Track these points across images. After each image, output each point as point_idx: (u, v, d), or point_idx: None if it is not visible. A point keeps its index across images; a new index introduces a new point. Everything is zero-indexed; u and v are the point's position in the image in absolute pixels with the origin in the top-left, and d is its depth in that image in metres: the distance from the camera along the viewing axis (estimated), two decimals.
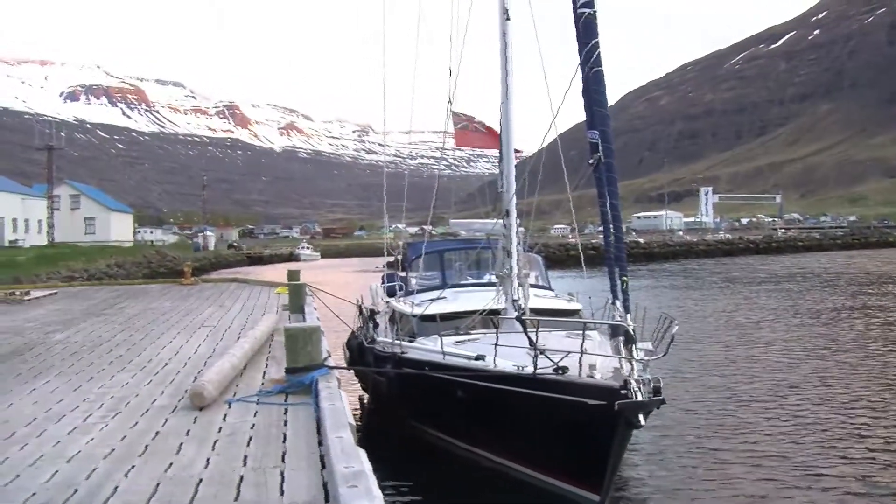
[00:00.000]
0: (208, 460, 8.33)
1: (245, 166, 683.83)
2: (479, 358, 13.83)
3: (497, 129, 20.08)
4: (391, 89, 25.53)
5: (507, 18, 19.05)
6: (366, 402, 20.98)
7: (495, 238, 19.79)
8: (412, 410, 16.58)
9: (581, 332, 12.58)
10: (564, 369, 11.98)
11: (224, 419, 10.14)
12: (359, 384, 21.98)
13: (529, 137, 21.73)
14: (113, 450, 8.89)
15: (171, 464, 8.28)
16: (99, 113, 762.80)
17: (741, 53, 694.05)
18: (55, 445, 9.19)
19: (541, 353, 12.24)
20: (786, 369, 25.65)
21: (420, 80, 25.16)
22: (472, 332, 16.82)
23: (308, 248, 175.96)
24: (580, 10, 14.05)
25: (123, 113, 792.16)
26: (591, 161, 13.71)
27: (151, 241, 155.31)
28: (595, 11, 14.05)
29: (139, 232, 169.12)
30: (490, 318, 16.74)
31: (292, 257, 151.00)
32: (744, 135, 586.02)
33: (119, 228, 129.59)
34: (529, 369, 12.30)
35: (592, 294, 19.92)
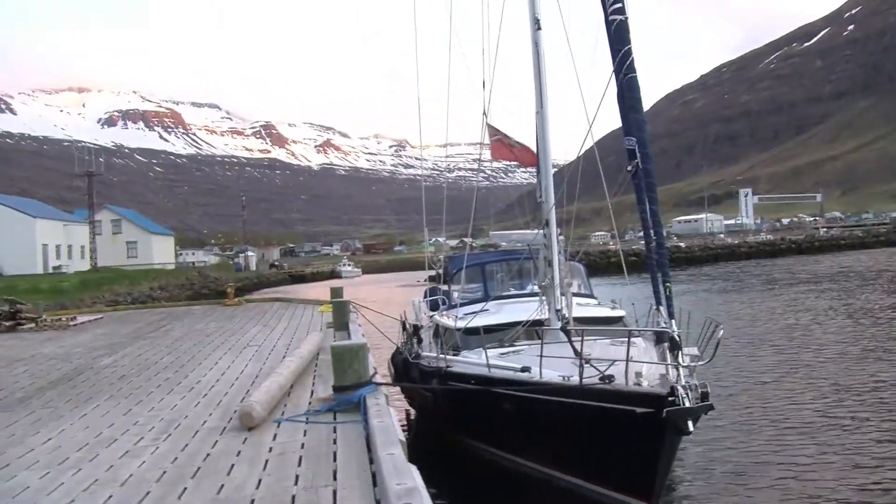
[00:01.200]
0: (260, 481, 8.36)
1: (283, 185, 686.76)
2: (524, 370, 13.79)
3: (532, 144, 20.02)
4: (426, 103, 25.59)
5: (539, 28, 19.02)
6: (412, 417, 21.02)
7: (536, 248, 19.73)
8: (459, 424, 16.55)
9: (626, 339, 12.52)
10: (610, 378, 11.93)
11: (274, 439, 10.17)
12: (405, 400, 21.99)
13: (565, 145, 21.62)
14: (165, 472, 8.95)
15: (223, 485, 8.31)
16: (136, 137, 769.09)
17: (775, 53, 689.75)
18: (108, 470, 9.26)
19: (586, 362, 12.19)
20: (839, 372, 25.21)
21: (454, 93, 25.18)
22: (516, 343, 16.78)
23: (349, 265, 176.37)
24: (611, 17, 14.03)
25: (161, 136, 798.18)
26: (629, 168, 13.66)
27: (193, 263, 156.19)
28: (626, 17, 14.02)
29: (181, 254, 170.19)
30: (534, 329, 16.68)
31: (334, 274, 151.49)
32: (781, 134, 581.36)
33: (161, 251, 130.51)
34: (575, 379, 12.25)
35: (635, 300, 19.82)
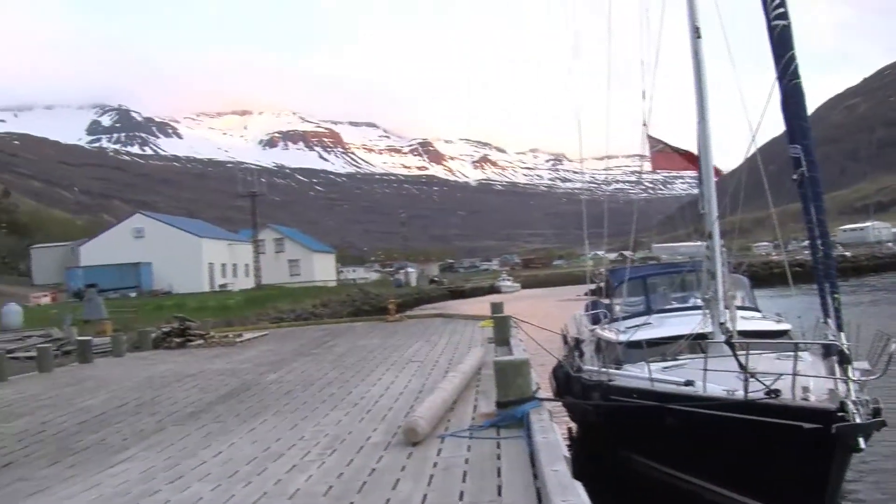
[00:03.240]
0: (425, 496, 8.41)
1: (441, 201, 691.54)
2: (687, 384, 13.60)
3: (694, 151, 19.72)
4: (584, 116, 25.43)
5: (699, 37, 18.74)
6: (575, 432, 20.89)
7: (699, 260, 19.42)
8: (621, 439, 16.38)
9: (792, 353, 12.21)
10: (777, 392, 11.65)
11: (438, 454, 10.23)
12: (567, 414, 21.86)
13: (727, 154, 21.24)
14: (331, 487, 9.09)
15: (388, 500, 8.40)
16: (297, 157, 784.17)
17: None
18: (276, 483, 9.47)
19: (751, 376, 11.95)
20: None
21: (613, 105, 24.98)
22: (679, 357, 16.55)
23: (508, 280, 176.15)
24: (774, 22, 13.74)
25: (320, 156, 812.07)
26: (794, 176, 13.34)
27: (354, 280, 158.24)
28: (789, 22, 13.72)
29: (342, 271, 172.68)
30: (697, 343, 16.44)
31: (493, 289, 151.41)
32: None
33: (322, 268, 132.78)
34: (740, 394, 12.01)
35: (801, 313, 19.31)
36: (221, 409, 15.45)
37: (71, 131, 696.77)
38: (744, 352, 13.09)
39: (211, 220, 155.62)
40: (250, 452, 11.26)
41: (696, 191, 19.81)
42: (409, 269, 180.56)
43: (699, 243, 19.47)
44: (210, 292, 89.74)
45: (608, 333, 19.93)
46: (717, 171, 19.33)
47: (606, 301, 23.50)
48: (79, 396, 18.85)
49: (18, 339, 38.50)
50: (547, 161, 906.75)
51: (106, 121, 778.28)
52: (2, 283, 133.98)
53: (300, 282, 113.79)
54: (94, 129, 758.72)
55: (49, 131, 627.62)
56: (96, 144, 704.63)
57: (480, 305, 58.77)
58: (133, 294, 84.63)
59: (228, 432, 12.89)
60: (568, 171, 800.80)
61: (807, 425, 10.91)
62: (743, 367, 12.21)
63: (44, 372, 24.81)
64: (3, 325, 46.19)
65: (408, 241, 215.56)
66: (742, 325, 17.18)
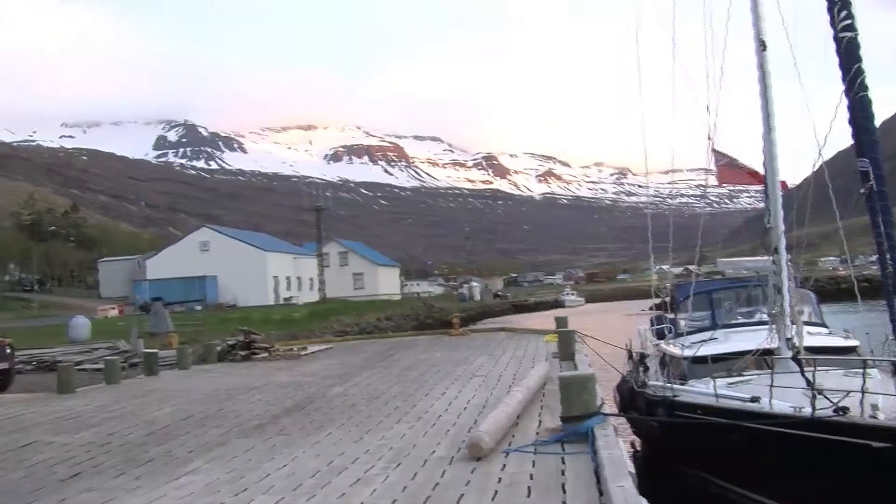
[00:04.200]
0: None
1: (506, 215, 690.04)
2: (753, 400, 13.48)
3: (760, 165, 19.56)
4: (648, 130, 25.31)
5: (764, 49, 18.60)
6: (639, 447, 20.76)
7: (765, 275, 19.24)
8: (686, 456, 16.27)
9: (860, 370, 12.06)
10: (845, 410, 11.50)
11: (502, 469, 10.21)
12: (630, 429, 21.74)
13: (793, 167, 21.00)
14: (395, 501, 9.10)
15: None
16: (361, 171, 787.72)
17: None
18: (339, 497, 9.50)
19: (819, 393, 11.82)
20: None
21: (678, 118, 24.83)
22: (745, 373, 16.41)
23: (572, 294, 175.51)
24: (841, 34, 13.63)
25: (384, 170, 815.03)
26: (862, 191, 13.20)
27: (418, 294, 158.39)
28: (857, 34, 13.60)
29: (406, 285, 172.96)
30: (763, 359, 16.29)
31: (557, 303, 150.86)
32: None
33: (386, 282, 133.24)
34: (807, 411, 11.89)
35: (870, 329, 19.03)
36: (286, 422, 15.54)
37: (138, 146, 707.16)
38: (811, 368, 12.96)
39: (276, 234, 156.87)
40: (314, 466, 11.30)
41: (762, 205, 19.65)
42: (473, 283, 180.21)
43: (765, 258, 19.30)
44: (275, 305, 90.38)
45: (673, 349, 19.78)
46: (784, 185, 19.14)
47: (671, 316, 23.32)
48: (145, 408, 19.07)
49: (86, 352, 39.14)
50: (612, 175, 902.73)
51: (172, 136, 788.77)
52: (70, 295, 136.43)
53: (364, 295, 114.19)
54: (161, 144, 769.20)
55: (117, 147, 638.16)
56: (163, 159, 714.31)
57: (544, 320, 58.69)
58: (198, 307, 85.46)
59: (293, 445, 12.96)
60: (633, 184, 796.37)
61: (875, 444, 10.78)
62: (810, 384, 12.10)
63: (111, 384, 25.13)
64: (71, 337, 46.90)
65: (472, 255, 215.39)
66: (809, 341, 16.99)
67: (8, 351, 26.57)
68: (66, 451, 13.63)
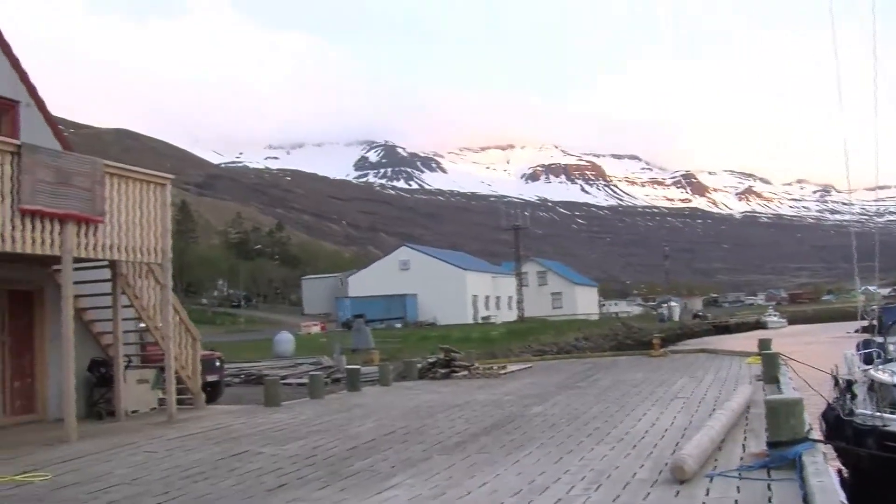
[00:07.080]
0: None
1: (704, 234, 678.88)
2: None
3: None
4: (852, 145, 24.50)
5: None
6: (845, 477, 20.00)
7: None
8: None
9: None
10: None
11: (706, 494, 9.96)
12: (837, 459, 20.96)
13: None
14: None
15: None
16: (559, 191, 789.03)
17: None
18: None
19: None
20: None
21: (883, 133, 23.92)
22: None
23: (775, 315, 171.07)
24: None
25: (582, 189, 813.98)
26: None
27: (616, 313, 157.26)
28: None
29: (604, 304, 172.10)
30: None
31: (758, 325, 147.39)
32: None
33: (585, 301, 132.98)
34: None
35: None
36: (486, 440, 15.55)
37: (340, 167, 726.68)
38: None
39: (474, 253, 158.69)
40: (515, 484, 11.25)
41: None
42: (673, 303, 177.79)
43: None
44: (474, 324, 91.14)
45: (882, 375, 18.97)
46: None
47: (880, 339, 22.42)
48: (348, 423, 19.38)
49: (291, 366, 40.27)
50: (814, 192, 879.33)
51: (373, 156, 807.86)
52: (275, 311, 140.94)
53: (562, 315, 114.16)
54: (362, 164, 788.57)
55: (319, 167, 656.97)
56: (363, 179, 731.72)
57: (745, 341, 57.32)
58: (399, 325, 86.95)
59: (493, 463, 12.94)
60: (836, 202, 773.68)
61: None
62: None
63: (315, 398, 25.66)
64: (276, 352, 48.40)
65: (670, 275, 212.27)
66: None
67: (219, 364, 27.53)
68: (274, 461, 13.96)
